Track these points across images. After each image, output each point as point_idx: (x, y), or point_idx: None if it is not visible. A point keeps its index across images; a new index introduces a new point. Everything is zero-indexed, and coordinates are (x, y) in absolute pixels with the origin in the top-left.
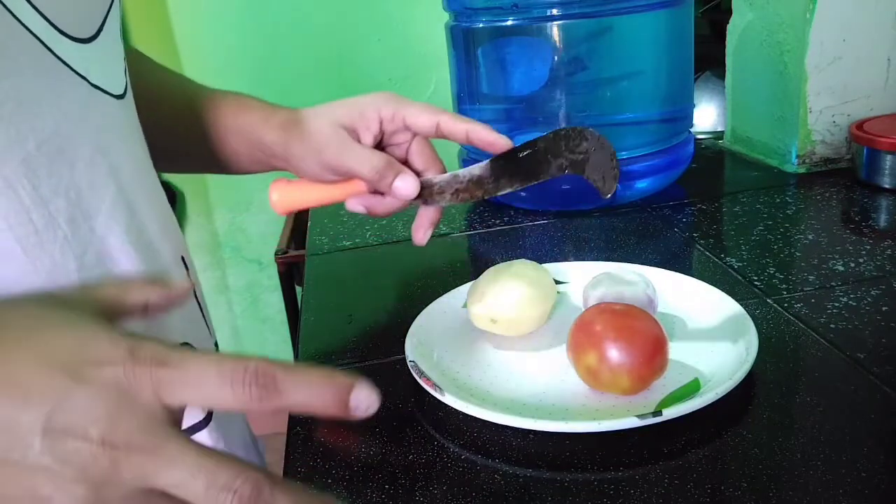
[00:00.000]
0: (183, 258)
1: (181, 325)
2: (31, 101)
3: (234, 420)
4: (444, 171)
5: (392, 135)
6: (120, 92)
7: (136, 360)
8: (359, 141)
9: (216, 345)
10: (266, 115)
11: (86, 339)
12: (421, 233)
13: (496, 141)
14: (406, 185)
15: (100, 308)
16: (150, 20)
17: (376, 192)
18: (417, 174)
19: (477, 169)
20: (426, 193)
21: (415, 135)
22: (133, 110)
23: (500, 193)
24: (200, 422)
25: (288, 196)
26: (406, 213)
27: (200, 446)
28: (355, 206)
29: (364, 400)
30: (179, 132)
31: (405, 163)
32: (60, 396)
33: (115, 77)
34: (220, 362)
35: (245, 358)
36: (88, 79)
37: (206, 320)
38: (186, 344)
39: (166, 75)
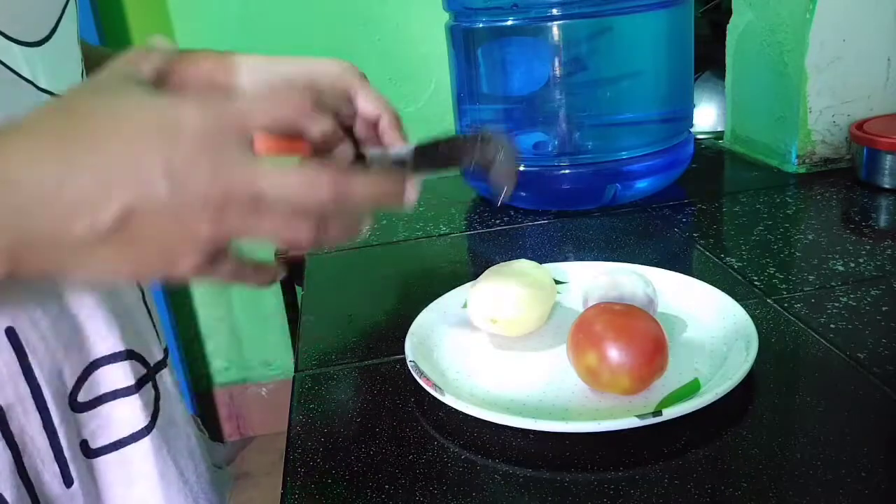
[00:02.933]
0: None
1: (127, 334)
2: None
3: (178, 426)
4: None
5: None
6: None
7: (212, 107)
8: None
9: (165, 350)
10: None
11: (166, 108)
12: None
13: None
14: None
15: (146, 79)
16: (150, 20)
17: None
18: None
19: (403, 150)
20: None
21: None
22: None
23: (416, 176)
24: (142, 429)
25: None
26: (406, 214)
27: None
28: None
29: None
30: None
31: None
32: (169, 153)
33: (69, 79)
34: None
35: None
36: (36, 83)
37: (154, 327)
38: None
39: None
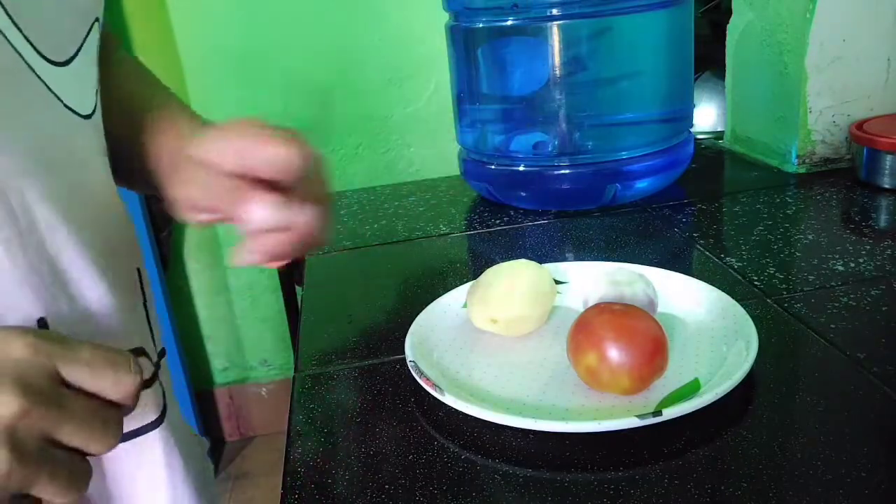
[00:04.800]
0: (138, 269)
1: (125, 334)
2: (17, 115)
3: (178, 421)
4: None
5: None
6: (88, 112)
7: (38, 339)
8: None
9: (160, 353)
10: (180, 128)
11: None
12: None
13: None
14: (258, 212)
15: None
16: (150, 20)
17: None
18: None
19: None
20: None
21: None
22: (99, 130)
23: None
24: (154, 421)
25: None
26: (406, 214)
27: (94, 403)
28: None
29: None
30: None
31: None
32: None
33: (86, 97)
34: (110, 351)
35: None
36: (62, 99)
37: (151, 331)
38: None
39: (140, 88)
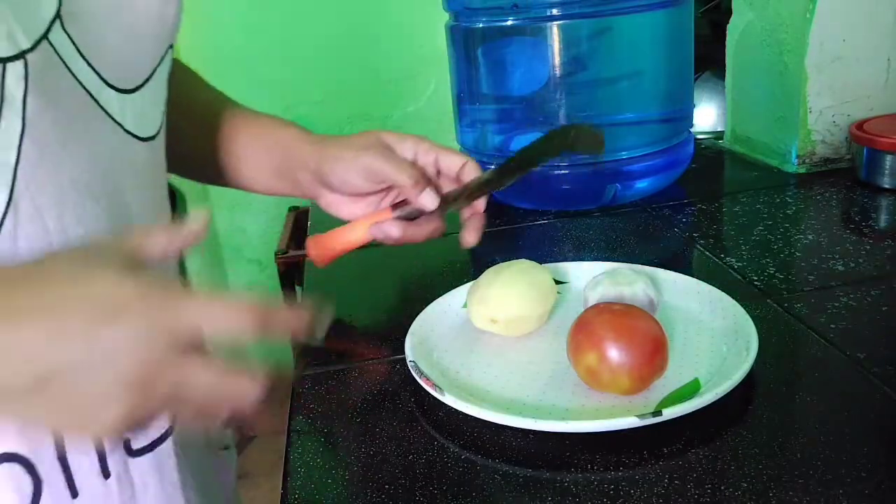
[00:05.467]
0: None
1: None
2: (72, 142)
3: (192, 431)
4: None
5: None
6: (151, 134)
7: (154, 294)
8: None
9: None
10: (302, 133)
11: (113, 285)
12: (474, 236)
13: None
14: (431, 197)
15: (126, 255)
16: None
17: (399, 218)
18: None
19: (484, 175)
20: (442, 206)
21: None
22: (160, 152)
23: (504, 187)
24: (168, 429)
25: (323, 246)
26: None
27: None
28: (378, 231)
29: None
30: (202, 143)
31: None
32: (96, 328)
33: (150, 121)
34: (222, 295)
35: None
36: (123, 125)
37: None
38: None
39: (200, 90)
